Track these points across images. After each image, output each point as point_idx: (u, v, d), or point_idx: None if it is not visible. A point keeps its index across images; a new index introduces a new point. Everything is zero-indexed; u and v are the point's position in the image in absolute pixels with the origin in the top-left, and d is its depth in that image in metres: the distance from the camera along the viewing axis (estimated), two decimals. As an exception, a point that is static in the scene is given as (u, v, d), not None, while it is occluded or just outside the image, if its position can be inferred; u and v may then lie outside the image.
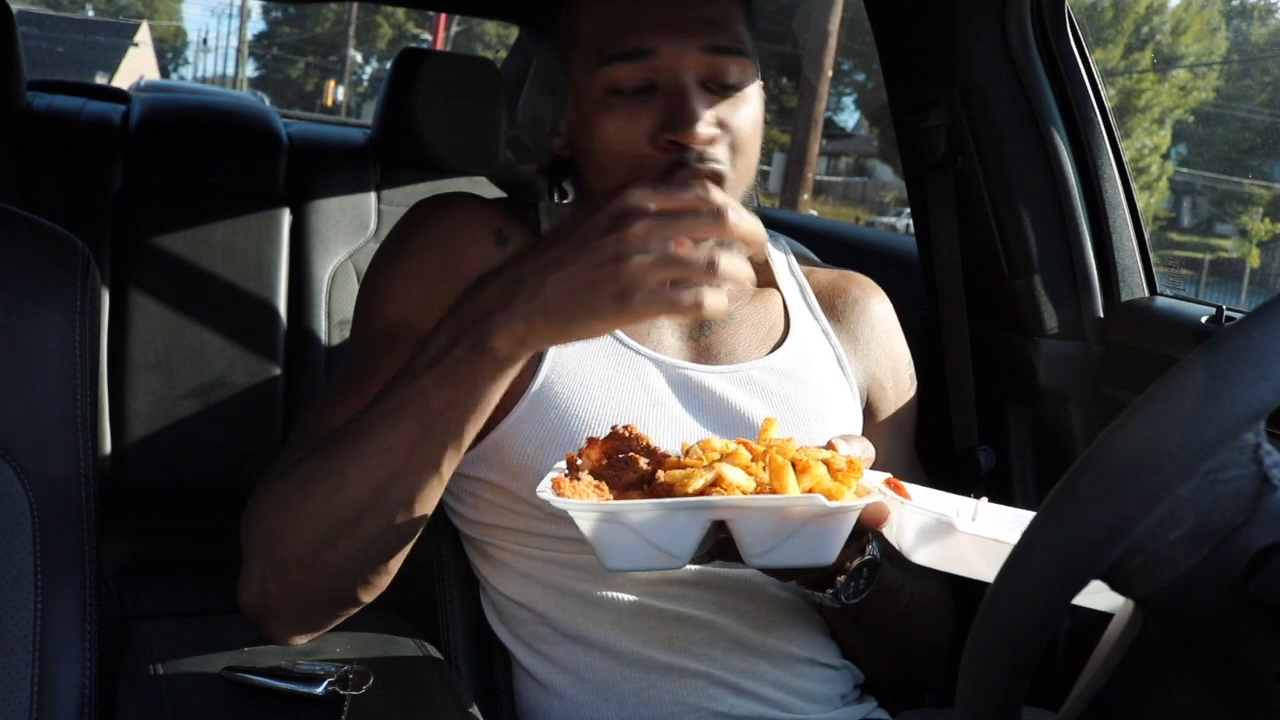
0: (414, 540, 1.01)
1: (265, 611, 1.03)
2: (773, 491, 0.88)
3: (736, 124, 1.09)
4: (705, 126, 1.06)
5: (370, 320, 1.14)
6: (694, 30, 1.07)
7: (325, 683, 0.96)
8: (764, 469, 0.90)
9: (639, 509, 0.87)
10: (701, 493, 0.88)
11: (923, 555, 0.93)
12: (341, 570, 0.99)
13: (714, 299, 0.83)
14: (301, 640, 1.06)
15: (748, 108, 1.11)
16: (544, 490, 0.90)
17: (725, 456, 0.92)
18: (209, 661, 1.01)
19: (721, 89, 1.09)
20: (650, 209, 0.83)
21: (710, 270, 0.83)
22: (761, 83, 1.15)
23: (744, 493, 0.88)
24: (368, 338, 1.13)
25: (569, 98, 1.14)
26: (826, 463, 0.91)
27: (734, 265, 0.84)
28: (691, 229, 0.83)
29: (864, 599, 1.06)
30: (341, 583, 1.00)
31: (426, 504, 0.97)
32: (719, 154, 1.08)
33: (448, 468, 0.95)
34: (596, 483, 0.91)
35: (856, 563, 1.05)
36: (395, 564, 1.01)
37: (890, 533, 0.97)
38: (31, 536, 1.01)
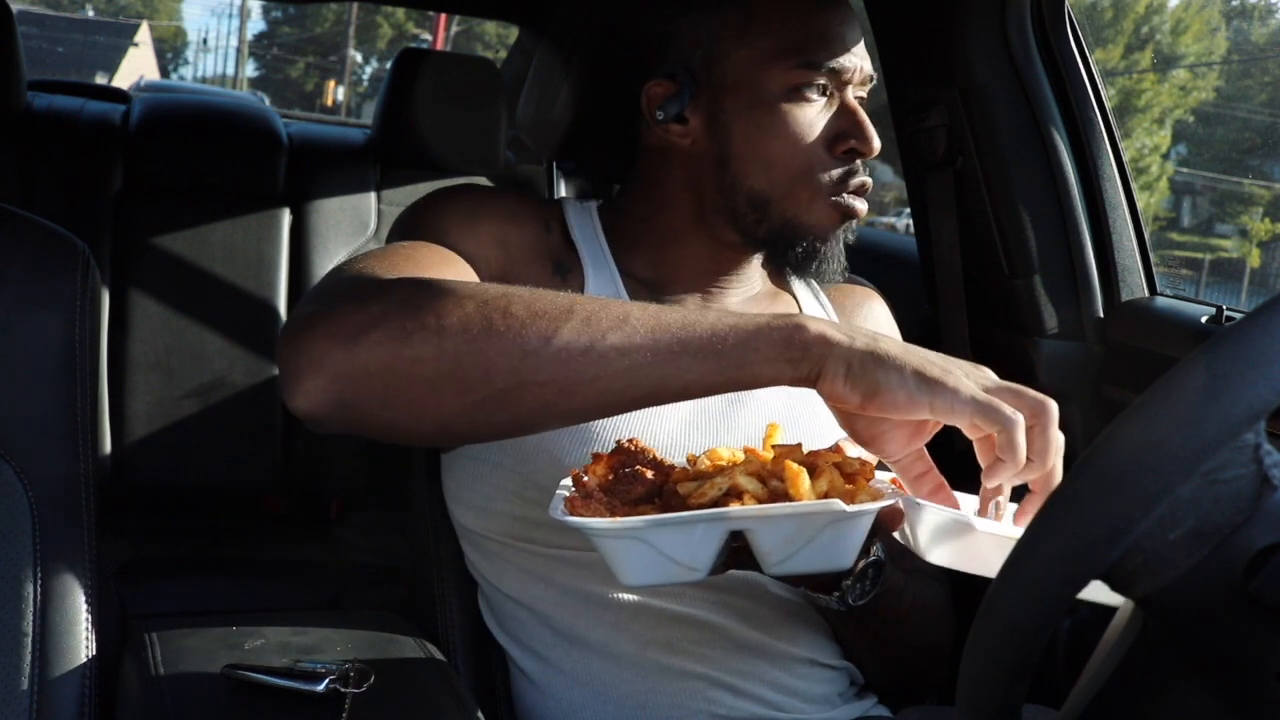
0: (498, 434, 0.93)
1: (325, 364, 0.84)
2: (788, 498, 0.87)
3: None
4: (878, 142, 1.14)
5: (405, 232, 1.11)
6: (864, 56, 1.17)
7: (326, 680, 0.96)
8: (776, 476, 0.90)
9: (655, 524, 0.86)
10: (716, 503, 0.87)
11: (939, 555, 0.92)
12: (469, 393, 0.85)
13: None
14: (308, 402, 0.86)
15: None
16: (556, 510, 0.89)
17: (734, 465, 0.91)
18: (209, 661, 1.01)
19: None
20: (1048, 437, 0.85)
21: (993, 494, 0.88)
22: None
23: (759, 501, 0.87)
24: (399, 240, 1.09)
25: (719, 87, 1.14)
26: (838, 465, 0.91)
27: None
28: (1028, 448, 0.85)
29: (869, 601, 1.06)
30: (427, 399, 0.86)
31: (564, 414, 0.88)
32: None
33: (611, 404, 0.87)
34: (608, 500, 0.91)
35: (862, 565, 1.05)
36: (467, 437, 1.03)
37: (900, 532, 0.96)
38: (31, 536, 1.01)
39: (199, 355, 2.13)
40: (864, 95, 1.18)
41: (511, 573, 1.17)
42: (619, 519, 0.87)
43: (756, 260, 1.22)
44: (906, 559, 1.06)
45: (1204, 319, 1.37)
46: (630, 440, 0.96)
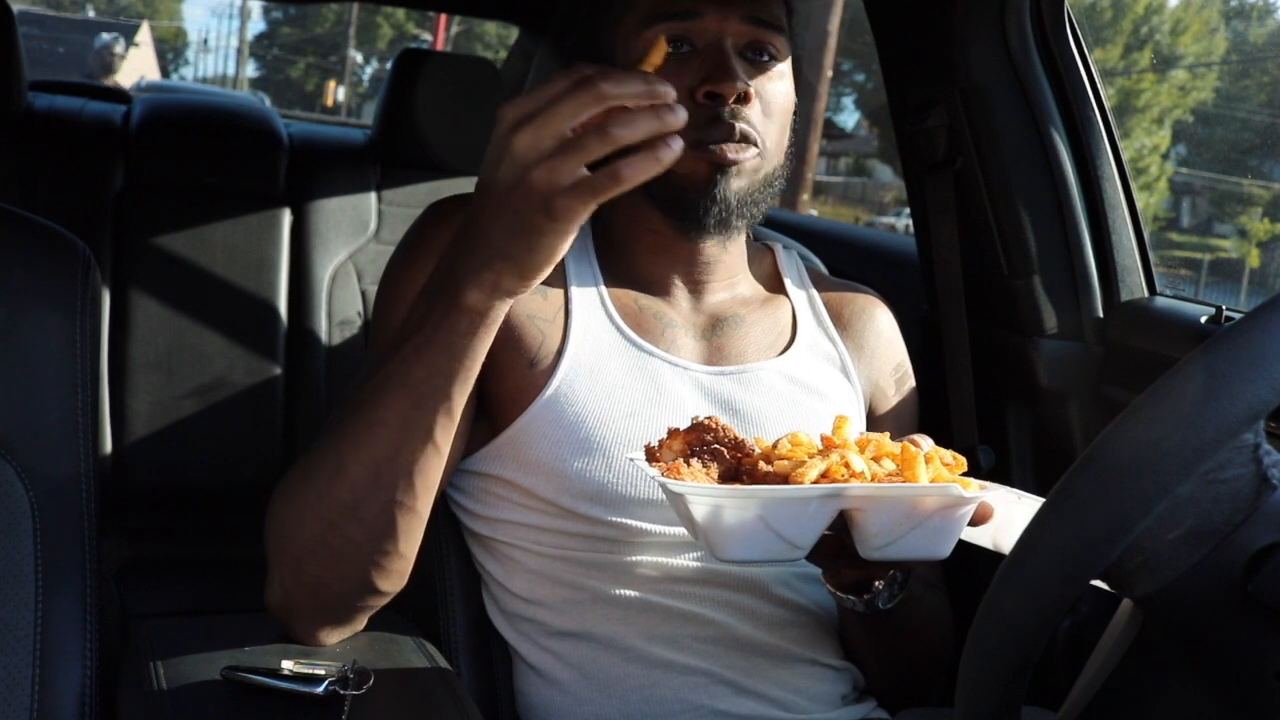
0: (422, 520, 1.00)
1: (289, 610, 1.03)
2: (903, 481, 0.86)
3: (769, 93, 1.15)
4: (741, 82, 1.11)
5: (384, 327, 1.15)
6: (737, 1, 1.13)
7: (325, 683, 0.96)
8: (877, 460, 0.89)
9: (769, 495, 0.84)
10: (818, 482, 0.86)
11: None
12: (351, 557, 0.98)
13: (634, 165, 0.80)
14: (331, 639, 1.05)
15: (781, 82, 1.17)
16: (654, 473, 0.88)
17: (831, 447, 0.90)
18: (209, 661, 1.01)
19: (757, 60, 1.15)
20: (527, 113, 0.82)
21: (604, 137, 0.79)
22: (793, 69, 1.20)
23: (869, 482, 0.86)
24: (382, 343, 1.14)
25: (615, 64, 1.17)
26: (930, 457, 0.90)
27: (628, 124, 0.80)
28: (571, 111, 0.80)
29: (893, 606, 1.07)
30: (354, 571, 0.99)
31: (426, 478, 0.97)
32: (751, 115, 1.13)
33: (442, 436, 0.95)
34: (706, 469, 0.89)
35: (892, 570, 1.05)
36: (407, 546, 1.00)
37: (984, 531, 0.95)
38: (32, 536, 1.01)
39: (199, 355, 2.13)
40: (764, 44, 1.14)
41: (519, 572, 1.18)
42: (734, 486, 0.85)
43: (727, 254, 1.22)
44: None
45: (1203, 319, 1.37)
46: (709, 418, 0.94)
